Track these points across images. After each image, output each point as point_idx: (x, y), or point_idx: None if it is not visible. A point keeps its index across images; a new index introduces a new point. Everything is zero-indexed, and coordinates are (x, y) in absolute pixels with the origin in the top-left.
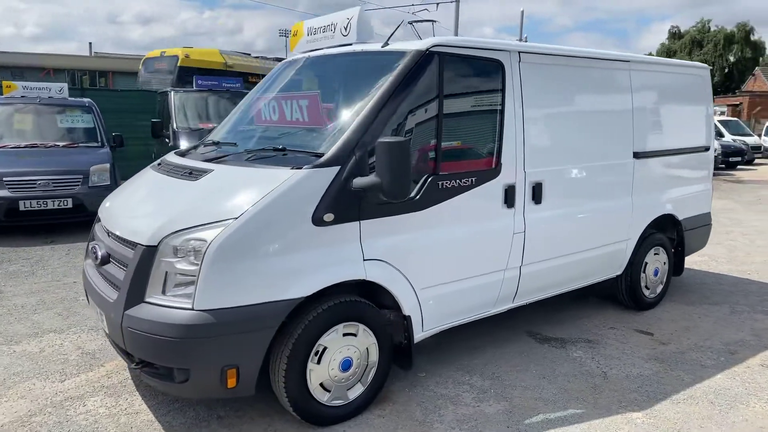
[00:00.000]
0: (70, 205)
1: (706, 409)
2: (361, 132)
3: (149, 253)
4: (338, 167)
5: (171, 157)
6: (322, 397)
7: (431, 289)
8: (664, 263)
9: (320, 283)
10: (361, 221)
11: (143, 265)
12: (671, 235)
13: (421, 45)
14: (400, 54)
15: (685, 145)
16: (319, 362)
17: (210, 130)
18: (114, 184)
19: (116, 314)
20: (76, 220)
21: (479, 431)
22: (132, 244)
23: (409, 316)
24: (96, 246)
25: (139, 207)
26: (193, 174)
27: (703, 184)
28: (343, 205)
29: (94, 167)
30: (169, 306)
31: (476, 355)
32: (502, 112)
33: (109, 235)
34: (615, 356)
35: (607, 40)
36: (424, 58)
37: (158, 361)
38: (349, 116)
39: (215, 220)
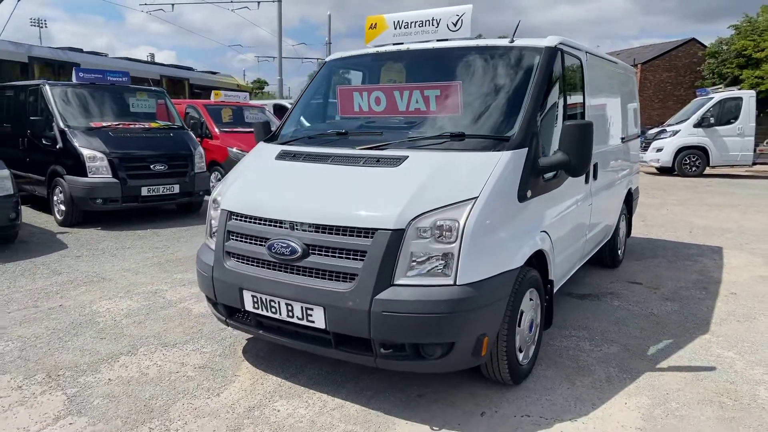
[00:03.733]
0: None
1: (736, 325)
2: (533, 118)
3: (396, 236)
4: (526, 149)
5: (305, 149)
6: (520, 356)
7: (560, 255)
8: (625, 228)
9: (528, 253)
10: (539, 196)
11: (391, 249)
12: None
13: (551, 42)
14: (538, 49)
15: (632, 132)
16: (520, 325)
17: (136, 129)
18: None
19: (360, 302)
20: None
21: (626, 365)
22: (366, 231)
23: (552, 280)
24: (276, 243)
25: (326, 196)
26: (384, 161)
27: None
28: (532, 182)
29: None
30: (425, 285)
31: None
32: (583, 100)
33: (294, 228)
34: (640, 301)
35: None
36: (556, 53)
37: (421, 339)
38: (512, 104)
39: (459, 200)
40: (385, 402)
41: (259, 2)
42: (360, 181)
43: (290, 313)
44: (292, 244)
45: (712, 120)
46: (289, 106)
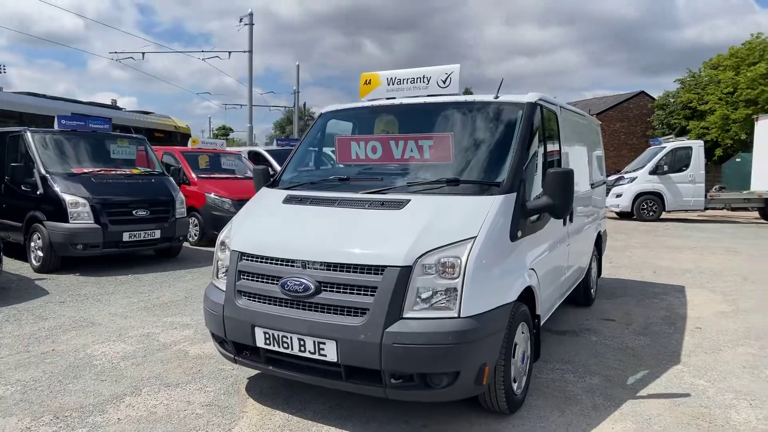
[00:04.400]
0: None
1: (704, 356)
2: (520, 165)
3: (405, 273)
4: (515, 193)
5: (310, 193)
6: (514, 386)
7: (545, 291)
8: (597, 268)
9: (520, 288)
10: (527, 236)
11: (400, 284)
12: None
13: (531, 98)
14: (520, 105)
15: (599, 179)
16: (514, 356)
17: (118, 175)
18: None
19: (371, 335)
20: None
21: (609, 394)
22: (377, 268)
23: (539, 315)
24: (288, 281)
25: (336, 236)
26: (388, 204)
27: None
28: (522, 223)
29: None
30: (433, 318)
31: None
32: (559, 149)
33: (305, 267)
34: (615, 336)
35: (339, 94)
36: (535, 108)
37: (430, 369)
38: (499, 153)
39: (460, 239)
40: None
41: (230, 53)
42: (367, 223)
43: (302, 348)
44: (305, 281)
45: (665, 168)
46: (263, 152)
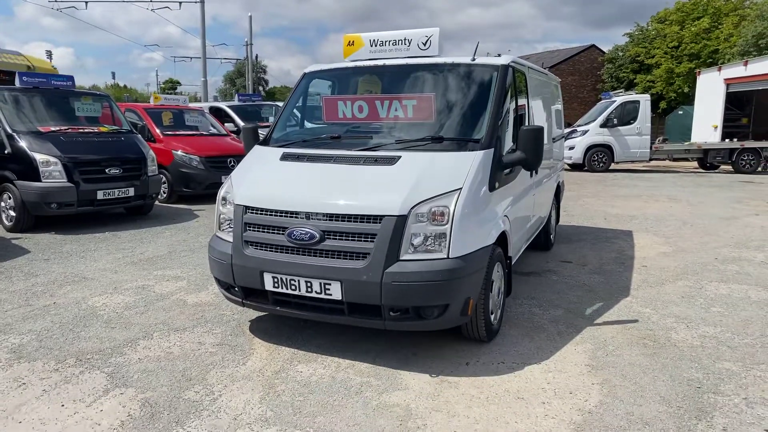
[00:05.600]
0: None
1: (649, 290)
2: (496, 123)
3: (401, 221)
4: (493, 149)
5: (305, 150)
6: (492, 317)
7: (515, 235)
8: (555, 216)
9: (497, 233)
10: (502, 187)
11: (397, 231)
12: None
13: (504, 61)
14: (495, 67)
15: (558, 133)
16: (492, 291)
17: (87, 133)
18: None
19: (373, 275)
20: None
21: (570, 323)
22: (375, 218)
23: (510, 256)
24: (295, 230)
25: (336, 190)
26: (381, 161)
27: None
28: (499, 175)
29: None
30: (425, 259)
31: None
32: (527, 107)
33: (309, 218)
34: (573, 275)
35: (291, 45)
36: (508, 69)
37: (424, 302)
38: (477, 112)
39: (448, 190)
40: (389, 359)
41: (180, 2)
42: (363, 177)
43: (309, 289)
44: (311, 230)
45: (615, 121)
46: (225, 108)
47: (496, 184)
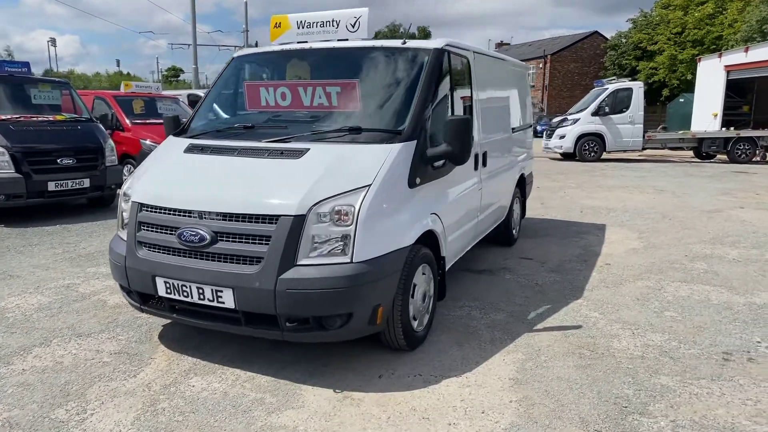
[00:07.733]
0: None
1: (604, 291)
2: (422, 113)
3: (298, 222)
4: (415, 141)
5: (213, 142)
6: (414, 324)
7: (452, 234)
8: (519, 210)
9: (417, 233)
10: (428, 183)
11: (293, 233)
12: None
13: (438, 44)
14: (426, 51)
15: (524, 123)
16: (413, 297)
17: (40, 122)
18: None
19: (265, 282)
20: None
21: (509, 328)
22: (270, 218)
23: (444, 257)
24: (185, 231)
25: (232, 187)
26: (287, 153)
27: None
28: (422, 170)
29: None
30: (325, 264)
31: (450, 288)
32: (471, 95)
33: (202, 217)
34: (529, 274)
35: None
36: (443, 53)
37: (322, 312)
38: (403, 100)
39: (353, 187)
40: (294, 372)
41: None
42: (264, 172)
43: (201, 296)
44: (201, 232)
45: (607, 109)
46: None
47: (418, 180)
